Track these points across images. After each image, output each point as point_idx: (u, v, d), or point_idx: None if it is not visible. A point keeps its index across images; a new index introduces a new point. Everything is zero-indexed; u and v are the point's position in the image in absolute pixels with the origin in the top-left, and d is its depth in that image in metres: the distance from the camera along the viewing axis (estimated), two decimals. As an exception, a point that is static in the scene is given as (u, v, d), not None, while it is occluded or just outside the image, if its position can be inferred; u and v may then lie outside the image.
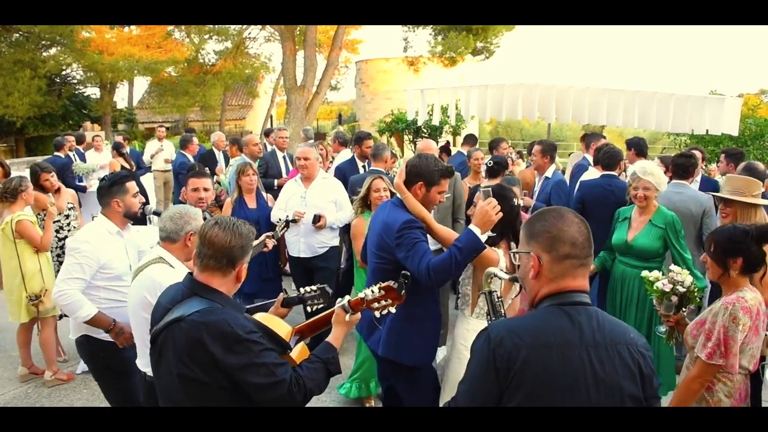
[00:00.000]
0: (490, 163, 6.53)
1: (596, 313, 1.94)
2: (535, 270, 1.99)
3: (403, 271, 2.89)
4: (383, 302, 2.74)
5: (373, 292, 2.74)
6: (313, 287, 3.14)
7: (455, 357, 3.61)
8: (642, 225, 4.76)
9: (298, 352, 2.58)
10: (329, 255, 5.97)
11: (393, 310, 2.77)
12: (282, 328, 2.58)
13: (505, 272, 2.97)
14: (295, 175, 7.60)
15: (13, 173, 9.63)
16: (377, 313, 2.77)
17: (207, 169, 9.07)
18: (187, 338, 2.29)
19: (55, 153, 10.70)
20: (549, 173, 6.70)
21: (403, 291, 2.75)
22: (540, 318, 1.95)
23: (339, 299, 2.79)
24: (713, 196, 4.33)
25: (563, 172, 8.72)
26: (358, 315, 2.76)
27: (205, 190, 4.81)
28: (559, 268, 1.95)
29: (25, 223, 5.47)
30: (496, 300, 2.86)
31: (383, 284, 2.75)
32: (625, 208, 5.08)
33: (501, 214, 3.30)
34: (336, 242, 6.07)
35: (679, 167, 5.64)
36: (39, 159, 13.09)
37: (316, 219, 5.70)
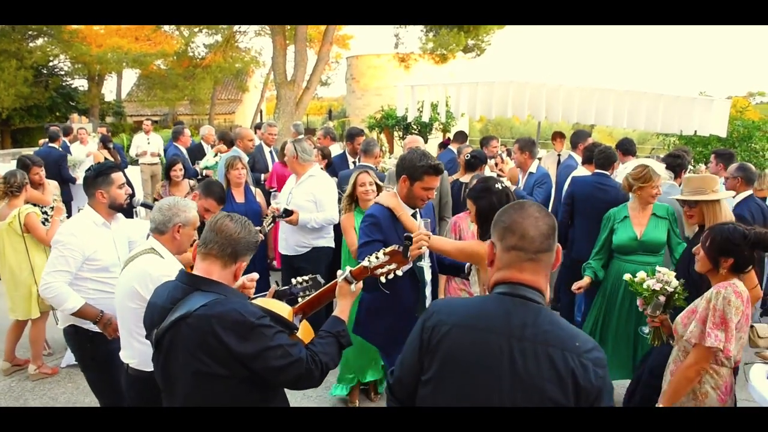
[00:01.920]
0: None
1: (539, 311, 1.88)
2: (488, 257, 2.03)
3: (406, 233, 2.98)
4: (388, 267, 2.76)
5: (377, 258, 2.75)
6: (305, 277, 3.13)
7: None
8: (645, 220, 4.75)
9: (303, 331, 2.59)
10: (312, 256, 5.73)
11: (400, 273, 2.79)
12: (283, 309, 2.58)
13: None
14: (279, 169, 7.61)
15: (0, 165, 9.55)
16: (383, 278, 2.78)
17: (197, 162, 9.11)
18: (198, 333, 2.27)
19: (50, 144, 10.63)
20: (533, 168, 6.76)
21: (409, 253, 2.80)
22: (476, 301, 2.03)
23: (339, 271, 2.78)
24: (677, 200, 4.33)
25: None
26: (361, 284, 2.77)
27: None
28: (507, 258, 1.95)
29: (33, 216, 5.44)
30: None
31: (388, 249, 2.78)
32: (617, 209, 5.03)
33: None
34: (322, 243, 5.78)
35: (668, 167, 5.69)
36: (25, 151, 12.98)
37: (288, 213, 5.44)
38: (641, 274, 3.65)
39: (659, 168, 4.86)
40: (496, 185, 3.49)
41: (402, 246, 2.80)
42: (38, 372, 5.55)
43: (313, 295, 2.85)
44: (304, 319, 2.77)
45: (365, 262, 2.77)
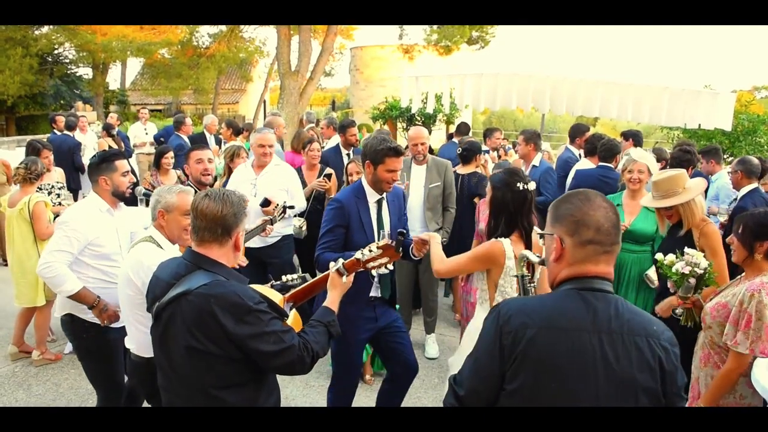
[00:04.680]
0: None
1: (616, 302, 1.85)
2: (557, 253, 1.92)
3: (399, 229, 3.02)
4: (380, 260, 2.81)
5: (371, 251, 2.80)
6: (295, 276, 3.20)
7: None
8: (637, 209, 4.77)
9: (292, 319, 2.66)
10: (282, 245, 5.70)
11: (390, 267, 2.83)
12: (275, 296, 2.66)
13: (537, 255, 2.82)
14: (289, 157, 7.57)
15: (3, 152, 9.56)
16: (374, 272, 2.84)
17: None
18: (197, 311, 2.32)
19: (65, 132, 10.71)
20: (536, 161, 6.65)
21: (401, 248, 2.82)
22: (554, 300, 1.91)
23: (332, 263, 2.83)
24: (655, 209, 4.32)
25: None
26: (352, 276, 2.82)
27: (209, 161, 4.99)
28: (582, 252, 1.87)
29: (41, 206, 5.46)
30: (528, 284, 2.86)
31: (381, 243, 2.83)
32: (612, 195, 5.07)
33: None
34: (289, 231, 5.80)
35: (676, 159, 5.72)
36: (28, 138, 13.02)
37: (265, 203, 5.29)
38: (670, 257, 3.63)
39: (648, 154, 4.89)
40: (518, 184, 3.41)
41: (395, 240, 2.84)
42: (42, 358, 5.58)
43: (305, 284, 2.93)
44: (294, 307, 2.86)
45: (358, 255, 2.82)
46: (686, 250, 3.60)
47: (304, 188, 6.07)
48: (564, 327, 1.80)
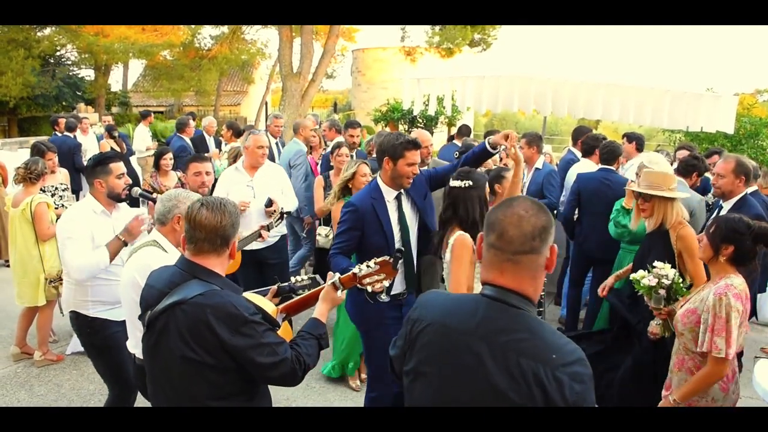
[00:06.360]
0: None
1: (517, 317, 1.78)
2: (477, 252, 1.97)
3: (397, 246, 3.07)
4: (376, 277, 2.79)
5: (368, 266, 2.78)
6: (304, 277, 3.18)
7: None
8: None
9: (283, 330, 2.63)
10: (281, 245, 5.77)
11: (386, 283, 2.82)
12: (269, 307, 2.64)
13: None
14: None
15: (6, 153, 9.57)
16: (369, 288, 2.80)
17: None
18: (192, 321, 2.29)
19: (66, 133, 10.76)
20: (539, 164, 6.62)
21: (398, 265, 2.82)
22: (457, 300, 1.97)
23: (329, 274, 2.82)
24: (633, 191, 4.35)
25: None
26: (345, 292, 2.81)
27: (207, 174, 4.98)
28: (488, 256, 1.84)
29: (43, 206, 5.47)
30: None
31: (379, 259, 2.80)
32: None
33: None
34: (285, 230, 5.86)
35: (683, 164, 5.75)
36: (32, 140, 13.05)
37: (269, 203, 5.32)
38: (641, 272, 3.68)
39: (661, 158, 4.91)
40: (466, 183, 3.62)
41: (393, 257, 2.82)
42: (43, 358, 5.59)
43: (300, 297, 2.88)
44: (287, 319, 2.83)
45: (355, 269, 2.79)
46: (655, 263, 3.66)
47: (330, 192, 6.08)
48: (449, 326, 1.84)
